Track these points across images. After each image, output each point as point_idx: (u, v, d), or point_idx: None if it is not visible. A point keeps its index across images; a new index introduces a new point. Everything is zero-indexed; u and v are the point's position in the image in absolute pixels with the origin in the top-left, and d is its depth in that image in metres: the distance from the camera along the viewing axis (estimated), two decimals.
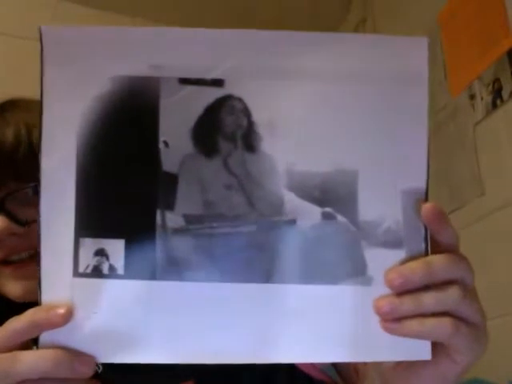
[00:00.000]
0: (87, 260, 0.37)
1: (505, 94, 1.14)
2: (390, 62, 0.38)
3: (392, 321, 0.36)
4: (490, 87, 1.18)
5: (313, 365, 0.57)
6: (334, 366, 0.58)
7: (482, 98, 1.21)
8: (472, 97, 1.25)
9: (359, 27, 1.88)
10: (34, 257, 0.46)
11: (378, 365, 0.42)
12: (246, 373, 0.54)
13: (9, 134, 0.54)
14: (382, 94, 0.38)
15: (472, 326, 0.37)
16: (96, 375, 0.52)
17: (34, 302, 0.43)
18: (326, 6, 1.99)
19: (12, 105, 0.59)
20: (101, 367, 0.52)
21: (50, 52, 0.38)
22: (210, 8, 2.03)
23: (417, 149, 0.38)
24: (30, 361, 0.36)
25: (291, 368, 0.56)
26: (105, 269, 0.37)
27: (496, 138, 1.17)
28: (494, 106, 1.17)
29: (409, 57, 0.38)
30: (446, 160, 1.33)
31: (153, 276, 0.37)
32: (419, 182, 0.38)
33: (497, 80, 1.17)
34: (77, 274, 0.37)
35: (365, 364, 0.48)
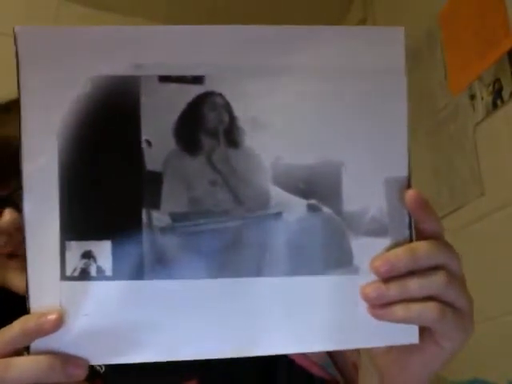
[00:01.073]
0: (74, 263, 0.37)
1: (505, 94, 1.14)
2: (367, 53, 0.39)
3: (379, 307, 0.37)
4: (491, 87, 1.19)
5: (312, 361, 0.58)
6: (333, 362, 0.59)
7: (482, 99, 1.21)
8: (472, 97, 1.25)
9: None
10: None
11: (369, 353, 0.43)
12: (246, 371, 0.54)
13: (17, 132, 0.55)
14: (362, 86, 0.39)
15: (458, 311, 0.38)
16: (98, 375, 0.53)
17: None
18: (326, 5, 1.99)
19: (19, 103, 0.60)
20: (103, 367, 0.52)
21: (26, 53, 0.37)
22: (209, 7, 2.03)
23: (397, 138, 0.39)
24: (23, 366, 0.36)
25: (290, 365, 0.57)
26: (92, 271, 0.37)
27: (496, 138, 1.17)
28: (495, 106, 1.17)
29: (386, 47, 0.39)
30: (446, 160, 1.33)
31: (141, 276, 0.37)
32: (401, 170, 0.38)
33: (497, 80, 1.17)
34: (64, 277, 0.37)
35: (359, 355, 0.49)
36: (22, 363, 0.36)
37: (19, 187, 0.53)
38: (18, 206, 0.53)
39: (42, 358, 0.36)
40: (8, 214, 0.54)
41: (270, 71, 0.39)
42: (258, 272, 0.38)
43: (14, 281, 0.55)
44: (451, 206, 1.28)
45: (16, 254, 0.55)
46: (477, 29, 1.25)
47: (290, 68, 0.39)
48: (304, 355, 0.57)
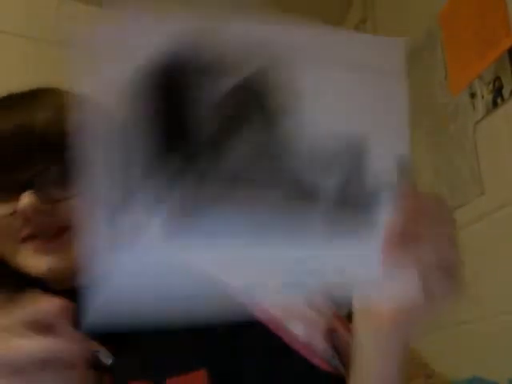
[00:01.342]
0: (125, 230, 0.40)
1: (505, 92, 1.14)
2: (374, 57, 0.46)
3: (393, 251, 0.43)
4: (491, 86, 1.19)
5: (316, 353, 0.59)
6: (338, 356, 0.60)
7: (482, 97, 1.21)
8: (472, 95, 1.25)
9: (359, 27, 1.88)
10: (60, 234, 0.55)
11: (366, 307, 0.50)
12: (249, 362, 0.56)
13: (40, 117, 0.56)
14: (372, 83, 0.46)
15: (448, 268, 0.44)
16: (105, 369, 0.53)
17: (53, 280, 0.53)
18: (326, 6, 1.99)
19: (43, 91, 0.62)
20: (110, 360, 0.53)
21: (100, 47, 0.41)
22: (211, 7, 2.04)
23: (401, 127, 0.47)
24: (27, 347, 0.38)
25: (291, 354, 0.58)
26: (140, 236, 0.40)
27: (496, 137, 1.17)
28: (495, 104, 1.17)
29: (388, 55, 0.46)
30: (446, 159, 1.33)
31: (188, 242, 0.41)
32: (405, 149, 0.46)
33: (497, 79, 1.17)
34: (112, 241, 0.40)
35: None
36: (26, 344, 0.38)
37: (39, 172, 0.55)
38: (38, 190, 0.54)
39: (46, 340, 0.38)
40: (27, 197, 0.54)
41: (301, 62, 0.44)
42: (293, 239, 0.44)
43: (32, 263, 0.56)
44: (451, 205, 1.28)
45: (34, 235, 0.55)
46: (477, 28, 1.25)
47: (317, 59, 0.45)
48: (309, 348, 0.59)
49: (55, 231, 0.55)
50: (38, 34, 1.85)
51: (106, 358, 0.53)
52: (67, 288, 0.53)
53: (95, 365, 0.51)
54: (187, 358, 0.53)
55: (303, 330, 0.60)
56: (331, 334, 0.62)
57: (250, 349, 0.56)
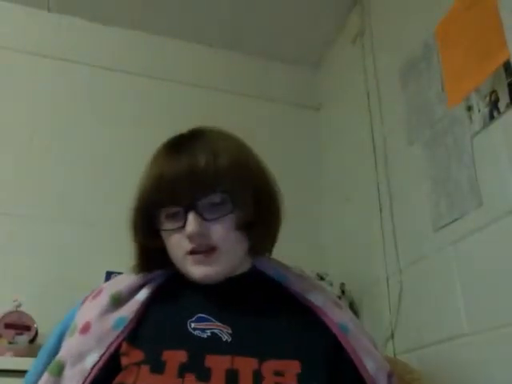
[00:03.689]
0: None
1: (501, 105, 1.15)
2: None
3: None
4: (487, 99, 1.19)
5: None
6: None
7: (479, 110, 1.22)
8: (469, 108, 1.26)
9: (357, 40, 1.90)
10: (211, 251, 0.76)
11: None
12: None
13: (202, 159, 0.76)
14: None
15: None
16: (225, 344, 0.75)
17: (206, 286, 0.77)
18: (324, 19, 2.01)
19: (200, 133, 0.82)
20: (229, 338, 0.73)
21: None
22: (209, 22, 2.05)
23: None
24: None
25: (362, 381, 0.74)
26: None
27: (493, 149, 1.18)
28: (491, 117, 1.18)
29: None
30: (444, 171, 1.33)
31: None
32: None
33: (493, 92, 1.18)
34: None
35: None
36: None
37: (199, 198, 0.76)
38: (198, 212, 0.75)
39: None
40: (191, 223, 0.75)
41: None
42: None
43: (192, 271, 0.77)
44: (450, 217, 1.28)
45: (194, 251, 0.76)
46: (473, 41, 1.27)
47: None
48: (374, 381, 0.74)
49: (208, 249, 0.76)
50: (37, 49, 1.86)
51: (226, 336, 0.70)
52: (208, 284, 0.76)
53: (216, 341, 0.69)
54: (285, 347, 0.69)
55: (373, 366, 0.73)
56: (390, 378, 0.76)
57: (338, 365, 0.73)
